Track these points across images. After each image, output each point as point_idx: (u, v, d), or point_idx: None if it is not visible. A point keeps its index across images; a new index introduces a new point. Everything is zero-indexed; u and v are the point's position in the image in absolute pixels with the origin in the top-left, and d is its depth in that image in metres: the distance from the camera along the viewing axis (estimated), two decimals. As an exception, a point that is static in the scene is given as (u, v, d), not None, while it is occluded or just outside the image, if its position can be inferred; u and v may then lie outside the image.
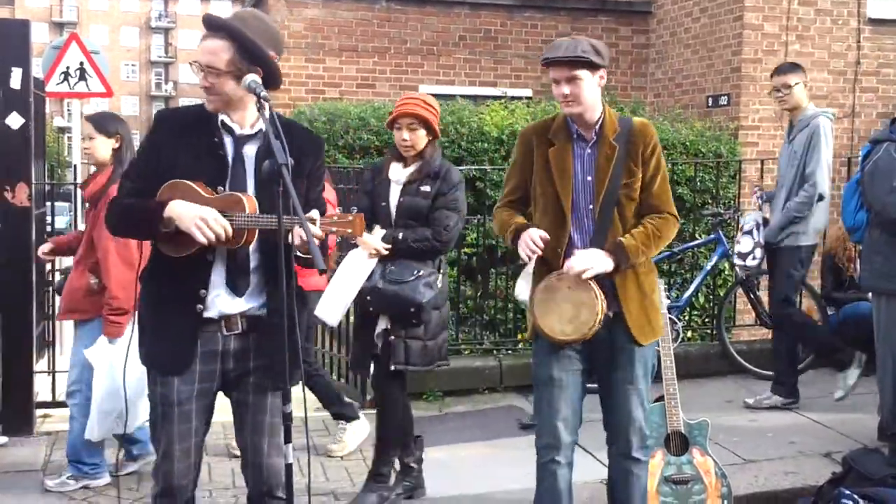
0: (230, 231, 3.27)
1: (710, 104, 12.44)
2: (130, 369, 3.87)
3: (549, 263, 3.93)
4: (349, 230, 3.36)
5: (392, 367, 4.83)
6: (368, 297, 4.84)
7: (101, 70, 9.36)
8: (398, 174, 4.92)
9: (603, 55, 3.87)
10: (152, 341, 3.46)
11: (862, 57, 12.21)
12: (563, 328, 3.87)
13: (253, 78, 3.32)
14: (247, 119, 3.44)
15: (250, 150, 3.42)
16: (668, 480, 4.68)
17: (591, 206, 3.92)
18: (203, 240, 3.25)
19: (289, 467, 3.43)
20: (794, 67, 6.74)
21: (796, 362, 6.83)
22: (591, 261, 3.83)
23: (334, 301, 4.91)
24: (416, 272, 4.78)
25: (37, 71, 6.71)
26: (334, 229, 3.35)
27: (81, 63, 9.13)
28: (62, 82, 9.15)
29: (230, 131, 3.42)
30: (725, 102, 12.14)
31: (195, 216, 3.23)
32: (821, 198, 6.32)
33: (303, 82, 12.52)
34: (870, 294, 6.01)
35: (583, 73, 3.83)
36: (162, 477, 3.49)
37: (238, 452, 3.86)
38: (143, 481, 5.29)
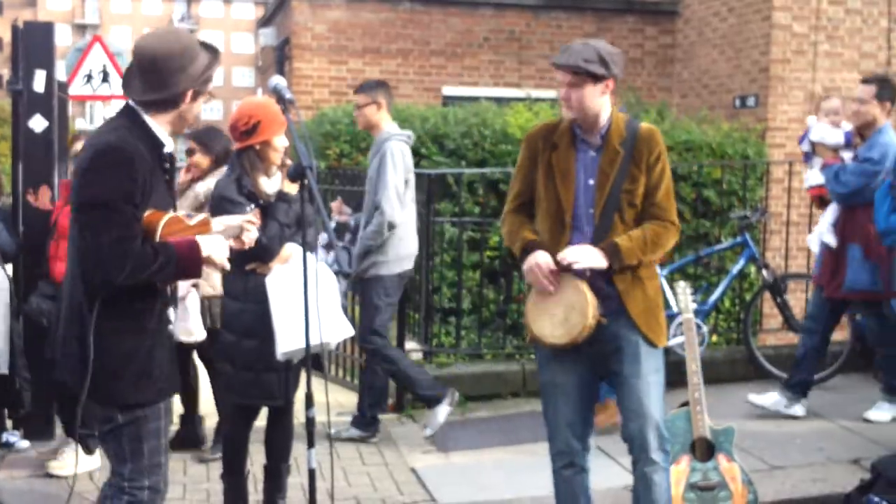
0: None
1: (737, 105, 12.33)
2: None
3: None
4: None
5: None
6: None
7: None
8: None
9: (610, 64, 3.85)
10: (157, 375, 3.37)
11: (892, 57, 12.08)
12: (554, 332, 3.87)
13: (278, 80, 3.40)
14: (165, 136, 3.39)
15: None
16: (694, 487, 4.63)
17: (591, 211, 3.91)
18: (227, 268, 3.38)
19: (311, 472, 3.41)
20: (372, 87, 6.20)
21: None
22: (583, 254, 3.82)
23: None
24: None
25: (60, 73, 6.71)
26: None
27: (105, 65, 9.16)
28: (85, 84, 9.18)
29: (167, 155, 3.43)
30: (753, 104, 12.03)
31: (224, 250, 3.34)
32: (391, 226, 5.89)
33: (326, 84, 12.53)
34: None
35: (584, 82, 3.85)
36: (163, 490, 3.51)
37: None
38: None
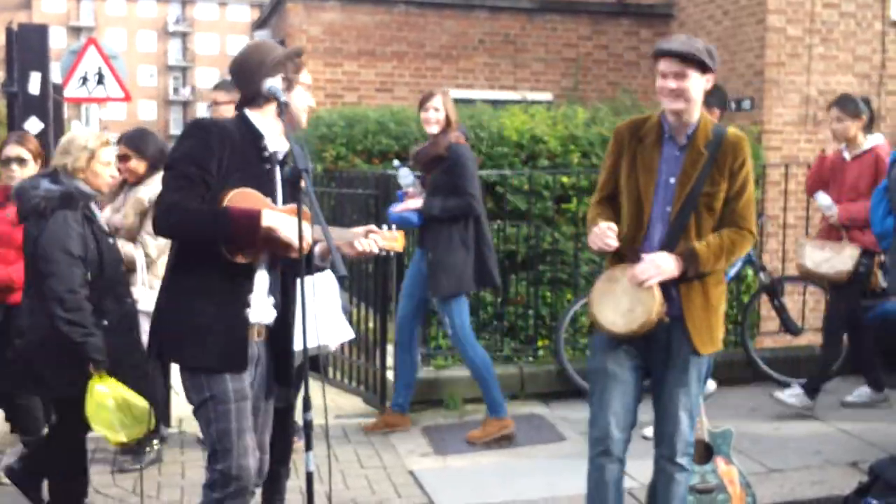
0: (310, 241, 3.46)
1: (732, 108, 12.34)
2: None
3: (622, 258, 3.93)
4: (394, 245, 3.68)
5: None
6: None
7: (120, 74, 9.36)
8: None
9: (715, 59, 3.86)
10: (214, 342, 3.45)
11: (887, 60, 12.12)
12: (616, 320, 3.88)
13: (273, 83, 3.47)
14: (276, 136, 3.57)
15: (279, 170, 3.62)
16: (693, 490, 4.60)
17: (668, 209, 3.89)
18: (299, 248, 3.35)
19: (309, 475, 3.41)
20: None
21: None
22: (656, 268, 3.81)
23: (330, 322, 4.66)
24: None
25: (55, 75, 6.71)
26: (384, 243, 3.64)
27: (100, 68, 9.14)
28: (81, 87, 9.16)
29: (267, 149, 3.57)
30: (748, 107, 12.05)
31: (295, 228, 3.34)
32: None
33: (321, 87, 12.51)
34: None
35: (692, 72, 3.80)
36: (237, 475, 3.49)
37: None
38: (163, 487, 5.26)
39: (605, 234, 3.83)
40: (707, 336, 3.95)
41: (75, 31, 74.98)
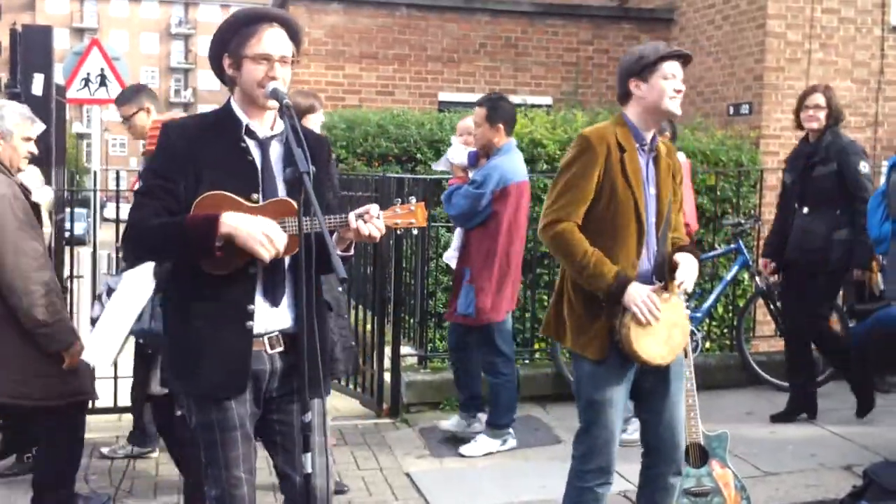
0: (286, 243, 3.09)
1: (731, 113, 12.38)
2: None
3: None
4: (412, 220, 3.25)
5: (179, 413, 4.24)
6: (141, 341, 4.57)
7: (122, 76, 9.40)
8: None
9: None
10: (203, 366, 3.16)
11: (886, 66, 12.13)
12: (661, 352, 3.78)
13: (277, 85, 3.17)
14: (264, 121, 3.26)
15: (274, 153, 3.25)
16: (688, 493, 4.63)
17: (653, 220, 3.85)
18: (266, 257, 3.05)
19: (307, 477, 3.32)
20: (133, 94, 5.78)
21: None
22: (693, 270, 3.81)
23: (105, 339, 4.37)
24: None
25: (57, 77, 6.73)
26: (398, 220, 3.25)
27: (102, 69, 9.18)
28: (83, 88, 9.19)
29: (253, 135, 3.23)
30: (747, 111, 12.07)
31: (258, 231, 3.02)
32: None
33: (322, 89, 12.52)
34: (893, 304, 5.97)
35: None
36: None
37: None
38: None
39: (654, 307, 3.70)
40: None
41: (78, 32, 75.07)
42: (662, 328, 3.75)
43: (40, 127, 4.89)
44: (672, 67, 3.84)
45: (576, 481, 3.98)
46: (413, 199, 3.31)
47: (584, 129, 3.96)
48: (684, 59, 3.90)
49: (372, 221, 3.15)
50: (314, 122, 5.44)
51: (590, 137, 3.83)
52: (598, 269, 3.71)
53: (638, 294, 3.69)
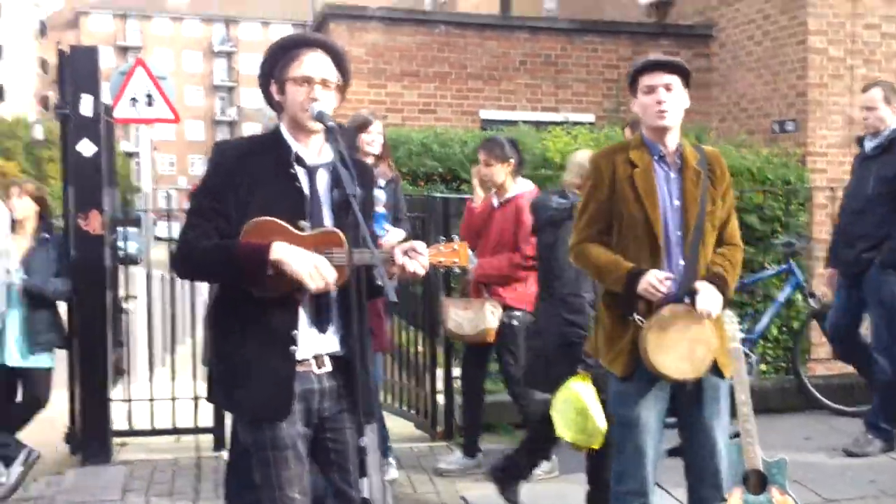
0: (336, 277, 3.13)
1: (776, 130, 12.28)
2: None
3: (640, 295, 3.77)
4: (455, 259, 3.27)
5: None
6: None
7: (168, 96, 9.45)
8: None
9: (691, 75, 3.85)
10: (249, 387, 3.21)
11: (927, 80, 12.00)
12: (680, 366, 3.75)
13: (321, 107, 3.21)
14: (312, 147, 3.29)
15: (322, 181, 3.28)
16: (749, 521, 4.57)
17: (678, 233, 3.80)
18: (314, 288, 3.09)
19: (365, 501, 3.34)
20: None
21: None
22: (716, 297, 3.75)
23: None
24: None
25: (105, 96, 6.77)
26: (442, 259, 3.26)
27: (149, 89, 9.22)
28: (131, 108, 9.24)
29: (301, 162, 3.27)
30: (792, 128, 11.97)
31: (308, 264, 3.07)
32: None
33: (365, 107, 12.57)
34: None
35: (677, 82, 3.79)
36: None
37: None
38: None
39: (664, 283, 3.71)
40: (725, 357, 3.92)
41: (122, 50, 75.95)
42: (682, 343, 3.73)
43: None
44: (653, 79, 3.77)
45: (614, 503, 3.95)
46: (457, 238, 3.34)
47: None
48: (671, 68, 3.78)
49: (417, 259, 3.18)
50: (375, 132, 5.68)
51: (595, 157, 3.96)
52: (616, 267, 3.77)
53: (647, 278, 3.70)
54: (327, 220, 3.25)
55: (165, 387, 6.58)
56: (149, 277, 6.83)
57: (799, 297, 7.81)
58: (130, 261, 7.50)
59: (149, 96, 9.17)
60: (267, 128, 3.66)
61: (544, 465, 5.68)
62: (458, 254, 3.28)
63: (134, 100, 9.13)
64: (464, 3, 25.54)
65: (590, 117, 13.07)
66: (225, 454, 5.59)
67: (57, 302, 6.02)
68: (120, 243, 6.82)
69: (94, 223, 6.10)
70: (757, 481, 4.66)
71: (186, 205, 3.51)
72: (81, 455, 6.10)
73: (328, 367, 3.30)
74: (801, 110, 11.83)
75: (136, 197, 11.34)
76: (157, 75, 9.57)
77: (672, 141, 3.85)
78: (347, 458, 3.34)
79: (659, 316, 3.76)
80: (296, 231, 3.18)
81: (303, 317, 3.24)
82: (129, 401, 6.60)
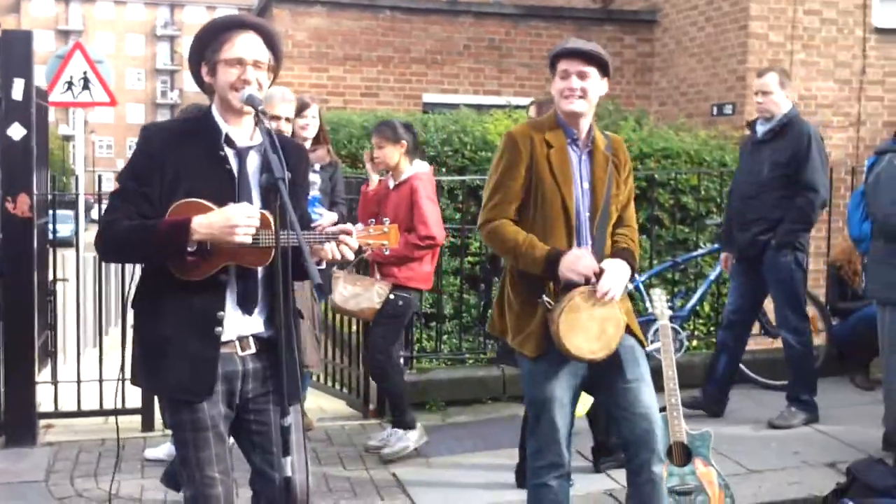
0: (258, 216, 3.12)
1: (714, 113, 12.43)
2: None
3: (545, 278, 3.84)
4: (384, 242, 3.31)
5: None
6: None
7: (105, 79, 9.37)
8: None
9: (611, 65, 3.89)
10: (170, 368, 3.22)
11: (867, 66, 12.21)
12: (591, 346, 3.80)
13: (252, 91, 3.21)
14: (244, 129, 3.30)
15: (252, 163, 3.27)
16: (671, 491, 4.64)
17: (587, 214, 3.89)
18: (247, 239, 3.08)
19: (287, 480, 3.35)
20: None
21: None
22: (618, 279, 3.81)
23: None
24: None
25: (40, 80, 6.71)
26: (371, 241, 3.30)
27: (85, 72, 9.14)
28: (66, 91, 9.16)
29: (231, 144, 3.26)
30: (730, 112, 12.13)
31: (226, 220, 3.06)
32: None
33: (306, 91, 12.54)
34: (874, 303, 6.00)
35: (593, 72, 3.84)
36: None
37: None
38: None
39: (592, 264, 3.78)
40: (638, 328, 4.01)
41: (63, 34, 74.91)
42: (594, 323, 3.78)
43: None
44: (567, 65, 3.83)
45: (532, 478, 4.02)
46: (387, 221, 3.38)
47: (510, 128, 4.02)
48: (587, 58, 3.83)
49: (345, 242, 3.21)
50: (310, 116, 5.85)
51: (513, 134, 3.94)
52: (531, 249, 3.79)
53: (569, 260, 3.74)
54: (256, 202, 3.24)
55: (95, 369, 6.55)
56: (79, 260, 6.76)
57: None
58: (63, 243, 7.44)
59: (85, 79, 9.07)
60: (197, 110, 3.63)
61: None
62: (387, 236, 3.32)
63: (69, 83, 9.04)
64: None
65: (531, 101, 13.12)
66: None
67: None
68: (52, 226, 6.76)
69: (21, 206, 6.04)
70: (681, 453, 4.74)
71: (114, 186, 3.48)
72: (5, 437, 6.05)
73: (252, 349, 3.31)
74: (740, 94, 11.98)
75: (71, 180, 11.22)
76: (95, 59, 9.49)
77: (584, 125, 3.92)
78: (270, 439, 3.35)
79: (568, 298, 3.79)
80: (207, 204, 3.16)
81: (229, 299, 3.25)
82: (56, 383, 6.56)
